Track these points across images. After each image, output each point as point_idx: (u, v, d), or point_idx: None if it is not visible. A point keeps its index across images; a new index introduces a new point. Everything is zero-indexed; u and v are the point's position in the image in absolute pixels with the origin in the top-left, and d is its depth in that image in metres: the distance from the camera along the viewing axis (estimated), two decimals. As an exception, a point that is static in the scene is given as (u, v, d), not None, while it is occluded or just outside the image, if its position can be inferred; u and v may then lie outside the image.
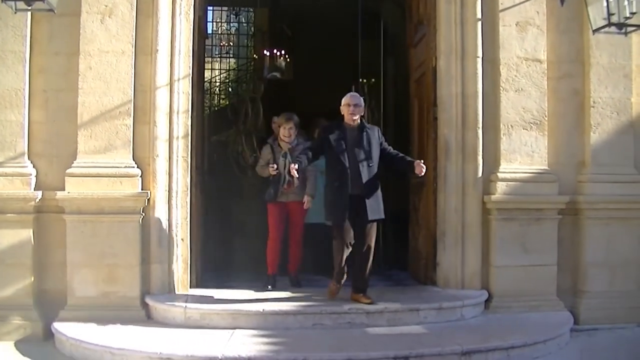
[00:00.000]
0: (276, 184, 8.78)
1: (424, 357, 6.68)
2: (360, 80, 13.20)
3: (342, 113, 7.88)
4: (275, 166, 8.64)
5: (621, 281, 8.34)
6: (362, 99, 8.00)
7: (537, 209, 8.16)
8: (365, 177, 7.63)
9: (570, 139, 8.49)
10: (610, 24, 7.40)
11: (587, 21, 7.85)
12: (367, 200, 7.61)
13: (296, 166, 7.46)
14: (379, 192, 7.77)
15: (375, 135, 7.84)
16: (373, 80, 13.25)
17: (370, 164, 7.67)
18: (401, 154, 7.98)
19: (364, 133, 7.76)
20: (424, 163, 7.72)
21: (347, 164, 7.60)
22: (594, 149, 8.36)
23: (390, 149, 7.99)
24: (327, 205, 7.90)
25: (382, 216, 7.83)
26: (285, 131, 8.91)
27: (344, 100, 7.87)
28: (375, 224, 7.84)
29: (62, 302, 7.66)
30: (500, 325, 7.64)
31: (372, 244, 7.82)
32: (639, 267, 8.39)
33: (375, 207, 7.69)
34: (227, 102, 18.51)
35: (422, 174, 7.64)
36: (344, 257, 7.75)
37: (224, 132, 14.20)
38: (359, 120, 7.83)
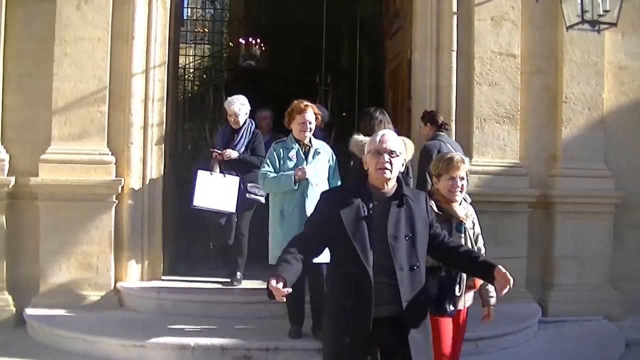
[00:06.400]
0: (450, 284, 4.73)
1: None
2: (324, 72, 13.22)
3: (365, 165, 4.37)
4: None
5: (589, 274, 8.44)
6: (402, 142, 4.47)
7: (509, 202, 8.23)
8: (406, 290, 4.15)
9: (542, 133, 8.57)
10: (583, 21, 7.48)
11: (561, 18, 7.92)
12: (409, 333, 4.15)
13: (280, 286, 3.96)
14: (427, 314, 4.38)
15: (421, 209, 4.37)
16: (341, 70, 13.29)
17: (416, 265, 4.21)
18: (465, 248, 4.67)
19: (404, 207, 4.26)
20: None
21: (371, 267, 4.07)
22: (565, 143, 8.45)
23: (444, 233, 4.55)
24: (329, 339, 4.36)
25: None
26: (455, 181, 5.02)
27: (370, 145, 4.37)
28: None
29: (35, 288, 7.64)
30: (468, 316, 7.72)
31: None
32: (607, 260, 8.51)
33: (423, 344, 4.23)
34: (201, 89, 18.53)
35: (505, 292, 4.21)
36: None
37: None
38: (395, 182, 4.35)
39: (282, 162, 6.72)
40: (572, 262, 8.40)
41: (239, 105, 8.14)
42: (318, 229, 4.30)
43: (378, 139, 4.31)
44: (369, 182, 4.32)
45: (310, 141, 6.83)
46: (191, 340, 6.62)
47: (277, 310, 7.29)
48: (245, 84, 15.30)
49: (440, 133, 7.35)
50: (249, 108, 8.28)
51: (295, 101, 6.88)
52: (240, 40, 18.67)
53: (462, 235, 5.01)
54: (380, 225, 4.15)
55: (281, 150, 6.77)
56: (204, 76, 18.72)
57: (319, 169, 6.74)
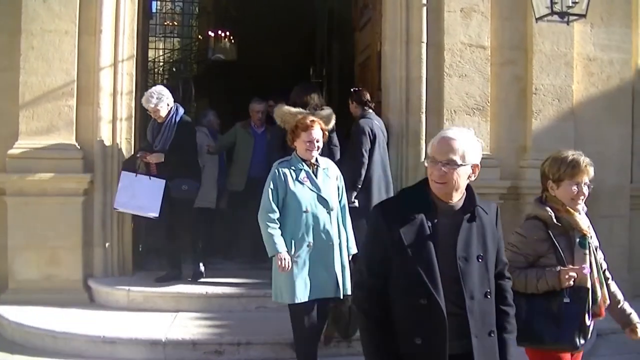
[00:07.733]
0: (578, 312, 4.17)
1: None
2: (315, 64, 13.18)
3: (429, 173, 3.44)
4: (587, 268, 4.22)
5: (560, 265, 8.47)
6: (474, 142, 3.53)
7: (480, 193, 8.07)
8: (477, 322, 3.35)
9: (512, 124, 8.59)
10: (552, 13, 7.50)
11: (531, 9, 7.94)
12: None
13: None
14: (497, 351, 3.46)
15: (492, 223, 3.57)
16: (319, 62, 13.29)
17: (488, 293, 3.42)
18: (508, 310, 3.59)
19: (475, 223, 3.47)
20: None
21: (441, 296, 3.28)
22: (535, 135, 8.47)
23: (504, 263, 3.69)
24: None
25: None
26: (580, 187, 4.38)
27: (430, 147, 3.50)
28: None
29: (3, 285, 7.58)
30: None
31: None
32: (577, 251, 8.53)
33: None
34: (171, 83, 18.40)
35: None
36: None
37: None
38: (463, 191, 3.48)
39: (289, 185, 5.88)
40: (542, 252, 8.41)
41: (156, 101, 7.74)
42: (379, 247, 3.39)
43: (437, 141, 3.42)
44: (434, 194, 3.42)
45: (316, 160, 6.08)
46: (162, 336, 6.59)
47: (248, 304, 7.29)
48: (215, 77, 15.28)
49: (368, 110, 7.95)
50: (171, 98, 7.91)
51: (300, 117, 6.38)
52: (209, 32, 18.53)
53: (586, 251, 4.24)
54: (447, 243, 3.34)
55: (288, 171, 5.92)
56: (174, 69, 18.58)
57: (329, 190, 6.04)
